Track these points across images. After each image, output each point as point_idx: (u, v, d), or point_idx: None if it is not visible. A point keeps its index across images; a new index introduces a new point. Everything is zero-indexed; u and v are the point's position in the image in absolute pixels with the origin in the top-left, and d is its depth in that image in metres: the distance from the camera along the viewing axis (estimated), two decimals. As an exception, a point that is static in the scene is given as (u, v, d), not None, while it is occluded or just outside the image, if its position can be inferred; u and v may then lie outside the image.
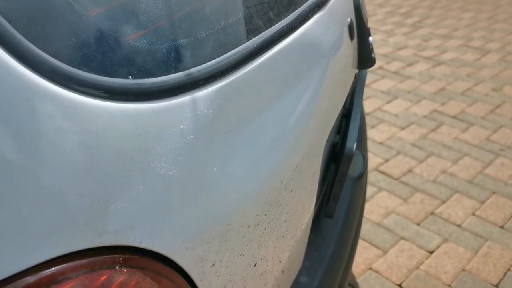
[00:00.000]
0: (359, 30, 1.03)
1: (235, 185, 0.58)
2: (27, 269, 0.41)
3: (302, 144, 0.72)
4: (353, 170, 1.20)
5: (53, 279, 0.41)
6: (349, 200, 1.13)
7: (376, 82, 3.23)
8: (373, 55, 1.10)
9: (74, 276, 0.42)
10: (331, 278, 0.96)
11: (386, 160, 2.45)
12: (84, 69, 0.45)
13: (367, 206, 2.18)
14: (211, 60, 0.57)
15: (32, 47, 0.42)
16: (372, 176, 2.34)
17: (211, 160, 0.55)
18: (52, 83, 0.43)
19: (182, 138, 0.51)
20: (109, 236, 0.44)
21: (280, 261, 0.75)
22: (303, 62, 0.73)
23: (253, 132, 0.61)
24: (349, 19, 0.95)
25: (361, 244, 1.98)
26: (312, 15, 0.78)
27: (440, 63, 3.51)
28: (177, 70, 0.53)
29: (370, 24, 4.27)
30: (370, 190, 2.25)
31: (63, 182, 0.42)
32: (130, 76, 0.49)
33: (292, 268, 0.84)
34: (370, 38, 1.09)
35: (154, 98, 0.50)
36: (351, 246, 1.09)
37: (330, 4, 0.86)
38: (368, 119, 2.80)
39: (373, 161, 2.45)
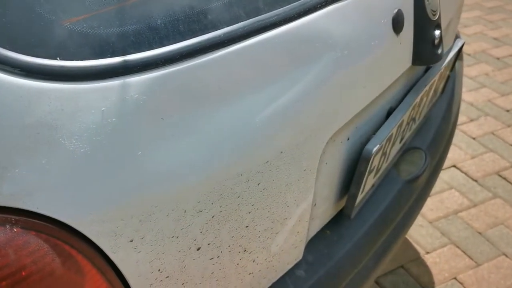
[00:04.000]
0: (418, 22, 0.93)
1: (166, 170, 0.60)
2: None
3: (276, 141, 0.71)
4: (406, 172, 1.12)
5: None
6: (388, 204, 1.06)
7: (530, 75, 2.84)
8: (438, 51, 0.99)
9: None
10: (335, 280, 0.93)
11: (513, 165, 2.19)
12: (5, 46, 0.51)
13: (473, 211, 1.99)
14: (155, 47, 0.59)
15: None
16: (489, 180, 2.12)
17: (137, 143, 0.57)
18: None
19: (102, 120, 0.55)
20: (4, 198, 0.51)
21: (245, 250, 0.75)
22: (291, 58, 0.70)
23: (201, 122, 0.62)
24: (395, 10, 0.87)
25: (452, 250, 1.84)
26: (323, 7, 0.74)
27: None
28: (110, 55, 0.56)
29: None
30: (483, 194, 2.05)
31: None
32: (57, 57, 0.54)
33: (277, 259, 0.83)
34: (437, 32, 0.98)
35: (77, 79, 0.54)
36: (378, 253, 1.03)
37: (358, -7, 0.79)
38: (507, 116, 2.50)
39: (496, 164, 2.20)
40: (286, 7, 0.70)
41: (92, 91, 0.55)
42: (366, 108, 0.89)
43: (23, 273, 0.52)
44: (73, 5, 0.57)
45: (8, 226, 0.51)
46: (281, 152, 0.72)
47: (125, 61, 0.57)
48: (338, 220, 0.99)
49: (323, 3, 0.75)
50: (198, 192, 0.64)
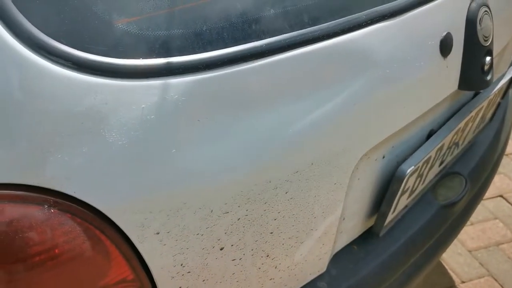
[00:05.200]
0: (468, 47, 0.92)
1: (197, 170, 0.63)
2: None
3: (308, 152, 0.72)
4: (443, 196, 1.10)
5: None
6: (420, 227, 1.04)
7: None
8: (487, 77, 0.97)
9: (6, 201, 0.54)
10: (357, 296, 0.93)
11: None
12: (61, 41, 0.55)
13: (517, 244, 1.92)
14: (198, 52, 0.62)
15: (20, 17, 0.54)
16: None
17: (172, 141, 0.61)
18: (27, 48, 0.54)
19: (141, 116, 0.58)
20: (45, 180, 0.55)
21: (268, 256, 0.77)
22: (332, 72, 0.72)
23: (236, 127, 0.65)
24: (444, 33, 0.87)
25: (489, 282, 1.78)
26: (368, 25, 0.75)
27: None
28: (155, 56, 0.60)
29: None
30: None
31: (17, 127, 0.54)
32: (108, 54, 0.58)
33: (299, 268, 0.84)
34: (487, 58, 0.96)
35: (122, 77, 0.58)
36: (405, 275, 1.02)
37: (407, 15, 0.80)
38: None
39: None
40: (330, 22, 0.72)
41: (135, 89, 0.58)
42: (405, 128, 0.89)
43: (56, 251, 0.56)
44: (126, 7, 0.61)
45: (46, 206, 0.55)
46: (312, 164, 0.74)
47: (168, 62, 0.60)
48: (366, 237, 0.99)
49: (369, 21, 0.76)
50: (225, 194, 0.66)
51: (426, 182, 1.05)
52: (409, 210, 1.06)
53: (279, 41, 0.67)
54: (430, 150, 0.94)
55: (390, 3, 0.79)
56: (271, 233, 0.75)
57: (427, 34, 0.84)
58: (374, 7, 0.77)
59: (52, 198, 0.55)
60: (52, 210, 0.56)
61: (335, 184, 0.79)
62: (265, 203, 0.71)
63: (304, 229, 0.80)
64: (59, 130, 0.55)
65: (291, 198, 0.74)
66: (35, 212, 0.55)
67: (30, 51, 0.54)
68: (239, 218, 0.69)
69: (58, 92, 0.55)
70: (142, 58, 0.59)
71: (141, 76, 0.59)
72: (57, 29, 0.56)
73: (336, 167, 0.77)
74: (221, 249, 0.70)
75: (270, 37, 0.67)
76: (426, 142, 0.95)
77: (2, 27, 0.54)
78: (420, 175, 0.98)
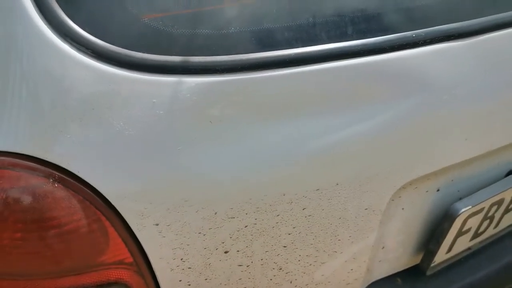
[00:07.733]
0: None
1: (201, 170, 0.63)
2: None
3: (334, 171, 0.68)
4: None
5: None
6: (486, 274, 0.93)
7: None
8: None
9: (13, 169, 0.59)
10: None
11: None
12: (86, 29, 0.59)
13: None
14: (220, 53, 0.61)
15: (55, 5, 0.59)
16: None
17: (179, 138, 0.61)
18: (55, 33, 0.58)
19: (151, 110, 0.60)
20: (53, 156, 0.59)
21: (280, 269, 0.75)
22: (372, 90, 0.66)
23: (251, 133, 0.63)
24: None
25: None
26: (428, 44, 0.67)
27: None
28: (175, 53, 0.60)
29: None
30: None
31: (36, 104, 0.59)
32: (127, 46, 0.60)
33: (323, 284, 0.81)
34: None
35: (139, 69, 0.60)
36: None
37: (480, 38, 0.70)
38: None
39: None
40: (377, 39, 0.66)
41: (149, 83, 0.60)
42: (468, 162, 0.79)
43: (53, 223, 0.61)
44: (155, 2, 0.62)
45: (51, 180, 0.60)
46: (337, 184, 0.69)
47: (185, 61, 0.60)
48: (415, 272, 0.91)
49: (430, 40, 0.68)
50: (231, 199, 0.65)
51: (501, 226, 0.92)
52: (476, 253, 0.94)
53: (312, 51, 0.63)
54: (502, 191, 0.82)
55: (462, 23, 0.70)
56: (284, 247, 0.72)
57: (506, 59, 0.73)
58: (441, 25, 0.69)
59: (57, 173, 0.60)
60: (56, 185, 0.60)
61: (366, 209, 0.74)
62: (278, 215, 0.69)
63: (326, 250, 0.75)
64: (71, 113, 0.59)
65: (310, 216, 0.70)
66: (40, 183, 0.59)
67: (57, 36, 0.58)
68: (246, 226, 0.68)
69: (75, 76, 0.59)
70: (161, 54, 0.60)
71: (157, 71, 0.60)
72: (84, 17, 0.60)
73: (368, 191, 0.72)
74: (226, 252, 0.70)
75: (302, 46, 0.63)
76: (498, 182, 0.83)
77: (37, 12, 0.58)
78: (488, 217, 0.86)
